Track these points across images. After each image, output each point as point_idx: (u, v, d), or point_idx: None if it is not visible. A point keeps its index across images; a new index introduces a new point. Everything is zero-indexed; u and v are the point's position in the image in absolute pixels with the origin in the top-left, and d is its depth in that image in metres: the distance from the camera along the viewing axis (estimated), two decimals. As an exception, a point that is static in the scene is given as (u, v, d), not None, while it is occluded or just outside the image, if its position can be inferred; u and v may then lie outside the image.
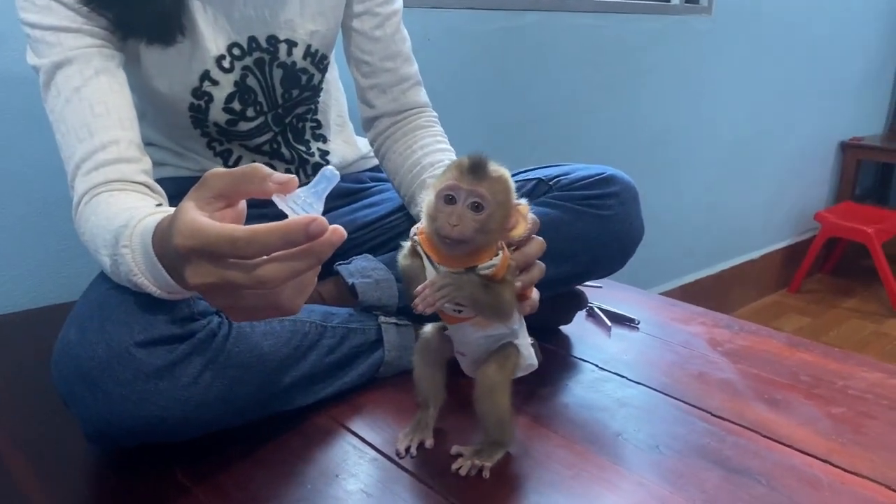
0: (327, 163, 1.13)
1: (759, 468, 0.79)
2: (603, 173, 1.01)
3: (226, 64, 0.99)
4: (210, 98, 1.00)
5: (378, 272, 0.98)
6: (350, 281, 0.97)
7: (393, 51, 1.09)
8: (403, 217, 1.11)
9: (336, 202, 1.14)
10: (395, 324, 0.96)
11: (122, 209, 0.76)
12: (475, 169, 0.68)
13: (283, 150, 1.09)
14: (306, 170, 1.12)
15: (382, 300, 0.96)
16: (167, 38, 0.93)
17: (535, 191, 1.02)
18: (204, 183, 0.59)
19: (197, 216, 0.56)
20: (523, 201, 0.72)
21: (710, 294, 2.62)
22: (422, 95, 1.12)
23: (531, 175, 1.04)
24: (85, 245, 0.82)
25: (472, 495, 0.74)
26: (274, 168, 1.07)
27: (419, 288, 0.70)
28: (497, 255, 0.71)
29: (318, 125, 1.14)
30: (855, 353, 1.10)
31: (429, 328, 0.82)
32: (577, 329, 1.15)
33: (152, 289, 0.70)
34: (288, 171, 1.10)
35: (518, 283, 0.73)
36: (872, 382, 0.99)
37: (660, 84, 2.25)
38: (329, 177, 0.58)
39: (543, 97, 1.93)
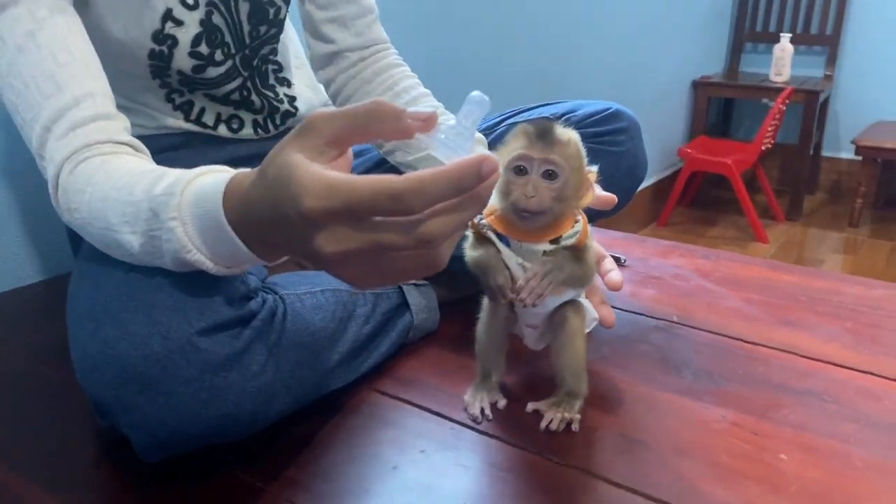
0: (295, 109, 1.01)
1: (819, 387, 0.81)
2: (609, 108, 0.98)
3: (189, 0, 0.85)
4: (174, 42, 0.85)
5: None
6: (360, 242, 0.88)
7: None
8: (390, 167, 1.02)
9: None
10: (416, 285, 0.89)
11: (140, 173, 0.63)
12: (543, 135, 0.64)
13: (254, 97, 0.96)
14: (275, 119, 0.99)
15: (400, 259, 0.88)
16: None
17: (543, 130, 0.97)
18: (311, 128, 0.49)
19: (325, 172, 0.46)
20: (593, 168, 0.70)
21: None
22: (383, 32, 1.02)
23: (535, 114, 0.99)
24: (76, 223, 0.67)
25: (565, 448, 0.70)
26: (241, 120, 0.96)
27: (521, 282, 0.66)
28: (577, 221, 0.68)
29: (280, 67, 1.01)
30: (828, 272, 1.15)
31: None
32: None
33: (208, 265, 0.58)
34: (255, 121, 0.98)
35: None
36: (858, 296, 1.05)
37: (545, 27, 2.25)
38: (479, 101, 0.49)
39: (447, 52, 1.87)
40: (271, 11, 0.93)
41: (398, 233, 0.46)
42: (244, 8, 0.90)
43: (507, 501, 0.63)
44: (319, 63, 1.00)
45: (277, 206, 0.48)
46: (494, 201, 0.67)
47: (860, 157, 3.07)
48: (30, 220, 1.10)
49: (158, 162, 0.68)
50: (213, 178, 0.56)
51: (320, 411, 0.76)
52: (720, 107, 3.79)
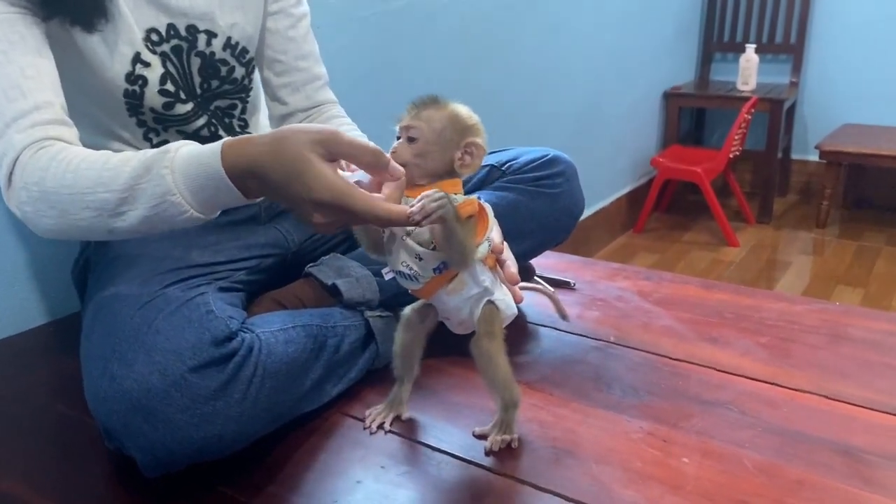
0: None
1: (727, 398, 0.94)
2: (547, 155, 1.11)
3: (150, 46, 0.98)
4: (144, 81, 0.98)
5: (355, 270, 1.03)
6: (329, 282, 1.01)
7: (305, 51, 1.14)
8: None
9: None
10: (380, 316, 1.02)
11: (108, 153, 0.79)
12: (417, 105, 0.78)
13: (222, 133, 1.08)
14: None
15: (366, 296, 1.01)
16: (90, 20, 0.90)
17: (490, 176, 1.10)
18: (331, 141, 0.69)
19: (335, 178, 0.68)
20: (480, 140, 0.78)
21: (575, 242, 2.83)
22: (331, 94, 1.19)
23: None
24: (31, 198, 0.79)
25: (501, 459, 0.82)
26: None
27: (415, 201, 0.71)
28: (461, 194, 0.77)
29: (246, 124, 1.13)
30: (758, 290, 1.29)
31: (408, 309, 0.87)
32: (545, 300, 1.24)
33: (185, 207, 0.74)
34: None
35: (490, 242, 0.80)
36: (780, 312, 1.18)
37: (517, 44, 2.38)
38: None
39: (422, 77, 1.99)
40: (223, 69, 1.05)
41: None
42: (196, 62, 1.03)
43: (450, 507, 0.76)
44: (276, 122, 1.17)
45: (290, 184, 0.68)
46: None
47: (825, 161, 3.21)
48: (38, 266, 1.23)
49: None
50: (209, 144, 0.74)
51: (296, 433, 0.88)
52: (692, 116, 3.92)
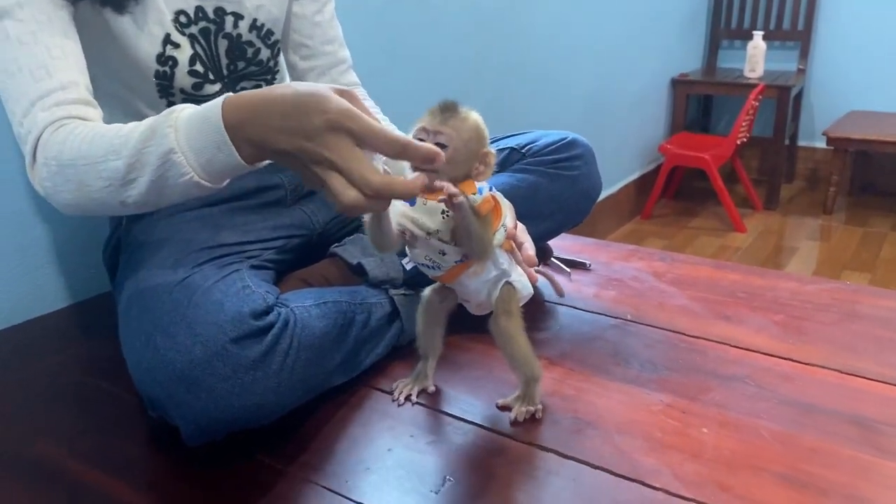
0: None
1: (743, 373, 0.97)
2: (565, 138, 1.14)
3: (179, 28, 1.00)
4: (174, 62, 1.00)
5: (380, 249, 1.05)
6: (355, 261, 1.04)
7: (331, 35, 1.17)
8: None
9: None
10: (405, 294, 1.04)
11: (120, 125, 0.79)
12: (442, 111, 0.78)
13: None
14: None
15: (390, 274, 1.04)
16: (120, 1, 0.93)
17: (510, 159, 1.13)
18: (350, 112, 0.68)
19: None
20: (493, 149, 0.81)
21: (583, 228, 2.84)
22: (355, 76, 1.22)
23: (501, 145, 1.15)
24: (51, 172, 0.81)
25: (526, 429, 0.86)
26: None
27: (438, 182, 0.74)
28: (479, 193, 0.79)
29: None
30: (769, 270, 1.31)
31: (428, 290, 0.91)
32: (541, 279, 1.28)
33: (186, 168, 0.74)
34: None
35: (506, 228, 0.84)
36: (792, 291, 1.21)
37: (526, 45, 2.40)
38: None
39: (430, 67, 2.01)
40: (249, 51, 1.08)
41: (347, 187, 0.67)
42: (223, 45, 1.05)
43: (477, 472, 0.79)
44: None
45: (298, 112, 0.67)
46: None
47: (832, 148, 3.23)
48: (64, 249, 1.26)
49: None
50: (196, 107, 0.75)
51: (326, 406, 0.91)
52: (700, 103, 3.94)
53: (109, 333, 0.95)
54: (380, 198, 0.68)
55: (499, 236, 0.83)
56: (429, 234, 0.79)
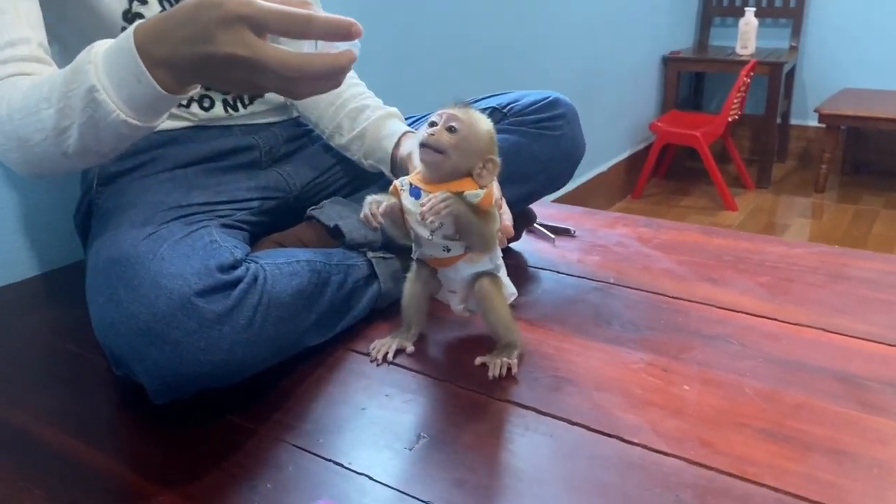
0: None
1: (727, 332, 0.95)
2: (548, 97, 1.11)
3: None
4: (142, 19, 0.97)
5: (357, 211, 1.03)
6: (332, 224, 1.01)
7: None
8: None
9: (295, 143, 1.16)
10: (383, 257, 1.02)
11: (58, 70, 0.77)
12: (463, 105, 0.81)
13: None
14: (243, 98, 1.10)
15: (368, 237, 1.02)
16: None
17: (491, 118, 1.09)
18: (237, 3, 0.64)
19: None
20: (498, 158, 0.83)
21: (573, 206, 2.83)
22: None
23: (483, 104, 1.12)
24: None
25: (504, 388, 0.84)
26: (211, 99, 1.08)
27: (424, 199, 0.79)
28: (483, 189, 0.81)
29: None
30: (757, 234, 1.29)
31: (416, 264, 0.90)
32: (525, 245, 1.26)
33: (111, 106, 0.71)
34: (225, 101, 1.08)
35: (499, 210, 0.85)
36: (780, 254, 1.19)
37: (515, 20, 2.36)
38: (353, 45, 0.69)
39: (419, 38, 1.98)
40: None
41: (274, 81, 0.65)
42: None
43: (452, 429, 0.77)
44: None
45: (200, 7, 0.64)
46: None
47: (824, 125, 3.20)
48: (34, 216, 1.23)
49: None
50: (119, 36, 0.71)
51: (301, 366, 0.89)
52: (691, 80, 3.91)
53: (81, 300, 0.92)
54: (305, 77, 0.67)
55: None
56: (432, 232, 0.81)
